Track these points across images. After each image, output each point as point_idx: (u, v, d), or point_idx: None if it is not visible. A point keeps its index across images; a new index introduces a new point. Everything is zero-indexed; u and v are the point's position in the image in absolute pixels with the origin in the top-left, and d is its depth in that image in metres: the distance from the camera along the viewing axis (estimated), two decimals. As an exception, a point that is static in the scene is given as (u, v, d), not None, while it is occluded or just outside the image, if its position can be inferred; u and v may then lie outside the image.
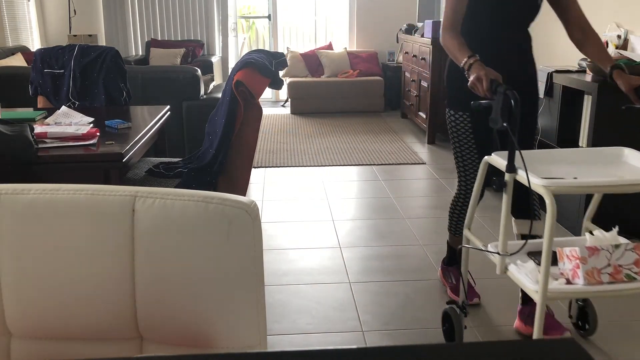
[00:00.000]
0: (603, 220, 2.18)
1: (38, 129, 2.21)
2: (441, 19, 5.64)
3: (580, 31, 2.13)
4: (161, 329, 0.99)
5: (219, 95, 4.06)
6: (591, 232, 1.79)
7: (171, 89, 3.86)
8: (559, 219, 3.28)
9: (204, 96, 4.02)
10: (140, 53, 7.05)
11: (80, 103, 3.05)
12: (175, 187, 2.31)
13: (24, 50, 5.83)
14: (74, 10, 6.88)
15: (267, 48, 7.78)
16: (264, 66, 2.28)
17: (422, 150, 5.19)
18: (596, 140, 3.02)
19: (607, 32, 3.70)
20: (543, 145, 3.54)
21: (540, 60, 2.65)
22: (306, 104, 6.88)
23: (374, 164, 4.71)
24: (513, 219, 2.26)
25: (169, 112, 2.94)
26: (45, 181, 1.04)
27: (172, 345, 1.01)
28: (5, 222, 0.98)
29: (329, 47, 7.34)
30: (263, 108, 3.48)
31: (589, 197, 3.00)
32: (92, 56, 3.06)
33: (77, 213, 0.97)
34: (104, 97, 3.03)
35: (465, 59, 1.93)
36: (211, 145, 2.39)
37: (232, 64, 7.29)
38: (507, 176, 1.75)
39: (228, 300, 0.96)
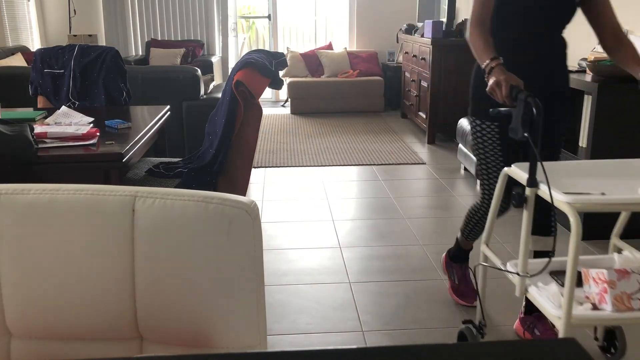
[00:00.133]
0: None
1: (38, 129, 2.21)
2: (441, 19, 5.67)
3: (613, 37, 1.98)
4: (161, 329, 0.99)
5: (219, 95, 4.06)
6: (619, 251, 1.66)
7: (171, 89, 3.86)
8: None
9: (204, 96, 4.02)
10: (140, 53, 7.05)
11: (80, 103, 3.05)
12: (175, 187, 2.31)
13: (24, 50, 5.83)
14: (74, 10, 6.88)
15: (267, 48, 7.78)
16: (264, 66, 2.28)
17: (422, 150, 5.20)
18: (596, 140, 3.02)
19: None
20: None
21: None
22: (306, 104, 6.88)
23: (374, 164, 4.71)
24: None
25: (169, 112, 2.94)
26: (45, 181, 1.04)
27: (172, 345, 1.01)
28: (5, 222, 0.98)
29: (329, 47, 7.34)
30: (263, 108, 3.48)
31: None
32: (92, 56, 3.06)
33: (77, 213, 0.97)
34: (104, 97, 3.03)
35: (487, 61, 1.79)
36: (211, 145, 2.39)
37: (232, 64, 7.30)
38: (528, 190, 1.61)
39: (228, 300, 0.96)
